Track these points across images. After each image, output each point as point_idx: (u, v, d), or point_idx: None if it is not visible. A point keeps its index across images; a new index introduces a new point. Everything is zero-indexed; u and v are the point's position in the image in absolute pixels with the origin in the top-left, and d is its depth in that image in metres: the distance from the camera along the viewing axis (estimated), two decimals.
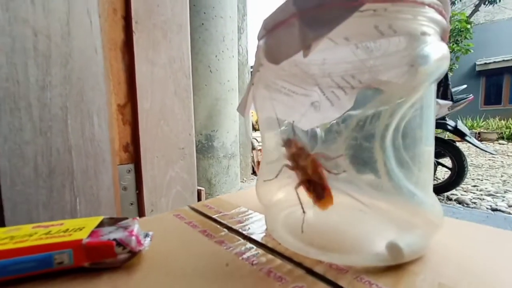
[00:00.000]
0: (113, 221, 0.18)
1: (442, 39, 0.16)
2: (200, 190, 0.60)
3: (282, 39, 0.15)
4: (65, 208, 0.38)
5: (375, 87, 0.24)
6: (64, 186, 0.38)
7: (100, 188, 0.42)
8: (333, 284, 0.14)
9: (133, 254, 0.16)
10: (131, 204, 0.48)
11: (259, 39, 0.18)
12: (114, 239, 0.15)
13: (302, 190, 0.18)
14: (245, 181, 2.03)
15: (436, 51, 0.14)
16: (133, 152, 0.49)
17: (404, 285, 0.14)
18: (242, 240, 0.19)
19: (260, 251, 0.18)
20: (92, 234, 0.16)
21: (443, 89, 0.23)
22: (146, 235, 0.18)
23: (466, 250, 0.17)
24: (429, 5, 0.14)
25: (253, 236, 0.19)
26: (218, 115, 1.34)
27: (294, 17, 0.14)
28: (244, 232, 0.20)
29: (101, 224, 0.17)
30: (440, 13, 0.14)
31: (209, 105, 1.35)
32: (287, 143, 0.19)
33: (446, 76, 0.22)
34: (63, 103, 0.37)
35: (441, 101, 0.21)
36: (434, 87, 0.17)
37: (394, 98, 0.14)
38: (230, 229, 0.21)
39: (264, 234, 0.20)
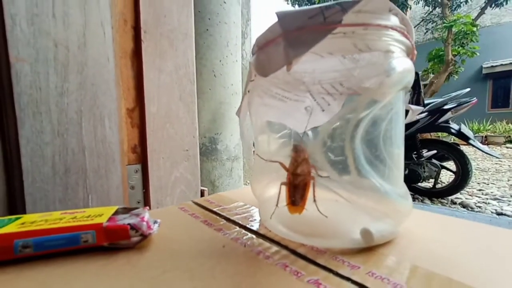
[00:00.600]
0: (126, 210, 0.21)
1: (408, 55, 0.18)
2: (203, 190, 0.63)
3: (270, 55, 0.18)
4: (79, 204, 0.41)
5: (360, 93, 0.26)
6: (78, 184, 0.41)
7: (110, 186, 0.45)
8: (312, 261, 0.16)
9: (144, 237, 0.19)
10: (138, 202, 0.51)
11: (252, 54, 0.20)
12: (129, 224, 0.18)
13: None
14: (248, 183, 2.05)
15: (400, 65, 0.17)
16: (140, 153, 0.52)
17: (372, 263, 0.16)
18: (238, 228, 0.22)
19: (253, 236, 0.20)
20: (110, 219, 0.19)
21: (416, 96, 0.25)
22: (155, 222, 0.21)
23: (431, 236, 0.20)
24: (392, 28, 0.17)
25: (248, 225, 0.22)
26: (222, 118, 1.37)
27: (280, 37, 0.17)
28: (240, 222, 0.23)
29: (116, 212, 0.20)
30: (403, 34, 0.17)
31: (213, 108, 1.38)
32: (298, 148, 0.20)
33: (418, 84, 0.24)
34: (78, 107, 0.40)
35: (413, 107, 0.23)
36: (402, 96, 0.19)
37: (365, 102, 0.17)
38: (228, 219, 0.24)
39: (258, 223, 0.23)
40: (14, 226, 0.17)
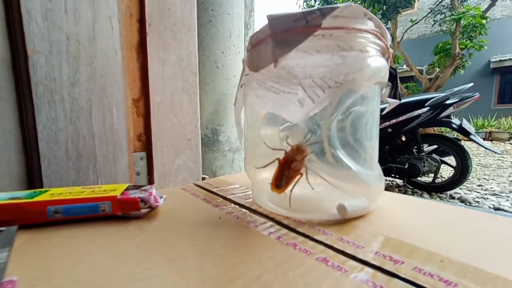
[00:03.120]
0: (136, 187, 0.24)
1: (383, 55, 0.21)
2: (205, 177, 0.66)
3: (260, 53, 0.20)
4: None
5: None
6: (89, 168, 0.45)
7: (118, 172, 0.49)
8: (293, 230, 0.20)
9: (152, 208, 0.22)
10: None
11: (247, 51, 0.23)
12: (139, 197, 0.21)
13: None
14: None
15: (374, 63, 0.20)
16: (145, 141, 0.55)
17: (344, 231, 0.19)
18: (233, 205, 0.25)
19: (246, 211, 0.23)
20: (122, 193, 0.22)
21: (394, 90, 0.26)
22: (161, 197, 0.24)
23: (399, 213, 0.23)
24: (367, 31, 0.19)
25: (241, 202, 0.25)
26: (224, 110, 1.40)
27: (269, 37, 0.19)
28: (235, 200, 0.26)
29: (127, 188, 0.23)
30: (377, 37, 0.20)
31: (216, 99, 1.40)
32: (299, 147, 0.22)
33: (396, 80, 0.25)
34: (88, 97, 0.43)
35: (390, 100, 0.25)
36: (378, 90, 0.22)
37: (342, 91, 0.20)
38: (225, 198, 0.27)
39: (250, 201, 0.26)
40: (46, 196, 0.20)
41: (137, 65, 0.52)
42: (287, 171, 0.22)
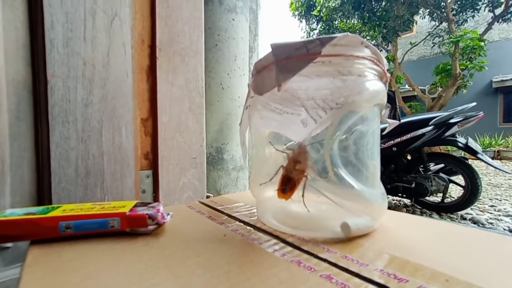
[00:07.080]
0: (144, 204, 0.25)
1: (381, 79, 0.22)
2: (209, 195, 0.66)
3: (264, 78, 0.22)
4: None
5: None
6: (96, 186, 0.46)
7: (124, 189, 0.49)
8: (298, 248, 0.20)
9: (159, 225, 0.22)
10: None
11: (252, 76, 0.25)
12: (147, 214, 0.22)
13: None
14: None
15: (372, 86, 0.21)
16: (152, 159, 0.56)
17: (348, 249, 0.19)
18: (237, 222, 0.25)
19: (251, 229, 0.24)
20: (131, 210, 0.22)
21: (393, 111, 0.27)
22: (168, 214, 0.24)
23: (403, 232, 0.23)
24: (363, 57, 0.20)
25: (246, 220, 0.26)
26: (228, 129, 1.42)
27: (273, 64, 0.21)
28: (239, 218, 0.26)
29: (136, 205, 0.24)
30: (374, 62, 0.21)
31: (221, 119, 1.43)
32: (301, 147, 0.23)
33: (395, 101, 0.26)
34: (100, 117, 0.46)
35: (390, 120, 0.26)
36: (377, 112, 0.23)
37: (343, 112, 0.21)
38: (229, 216, 0.27)
39: (255, 219, 0.26)
40: (59, 211, 0.21)
41: (146, 87, 0.55)
42: (292, 173, 0.22)
